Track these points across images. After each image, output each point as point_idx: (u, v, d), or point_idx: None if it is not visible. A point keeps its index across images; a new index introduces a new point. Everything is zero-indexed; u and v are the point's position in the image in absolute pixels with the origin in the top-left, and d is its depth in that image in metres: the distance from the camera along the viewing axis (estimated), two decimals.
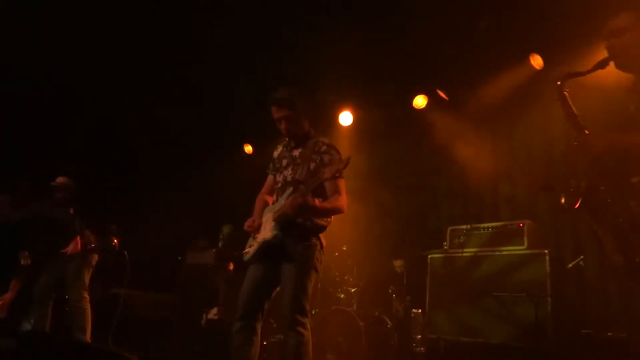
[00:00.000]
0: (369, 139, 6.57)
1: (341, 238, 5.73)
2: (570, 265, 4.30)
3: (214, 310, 5.67)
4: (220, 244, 6.13)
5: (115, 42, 5.43)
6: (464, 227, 4.59)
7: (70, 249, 4.54)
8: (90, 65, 5.72)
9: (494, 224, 4.45)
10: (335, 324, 4.85)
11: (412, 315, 4.90)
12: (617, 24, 2.22)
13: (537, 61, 5.15)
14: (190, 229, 6.62)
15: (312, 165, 3.00)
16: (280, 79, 6.02)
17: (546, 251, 4.02)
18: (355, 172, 6.55)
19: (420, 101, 6.04)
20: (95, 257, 4.82)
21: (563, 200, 2.15)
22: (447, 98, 5.84)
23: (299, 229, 2.91)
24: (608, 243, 2.08)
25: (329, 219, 3.04)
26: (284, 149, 3.24)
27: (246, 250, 3.09)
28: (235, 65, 5.93)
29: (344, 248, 5.45)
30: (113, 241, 5.10)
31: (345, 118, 6.50)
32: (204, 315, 5.73)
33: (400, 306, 4.98)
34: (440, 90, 5.86)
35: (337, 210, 2.96)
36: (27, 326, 4.68)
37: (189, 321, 5.96)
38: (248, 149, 7.35)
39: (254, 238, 3.07)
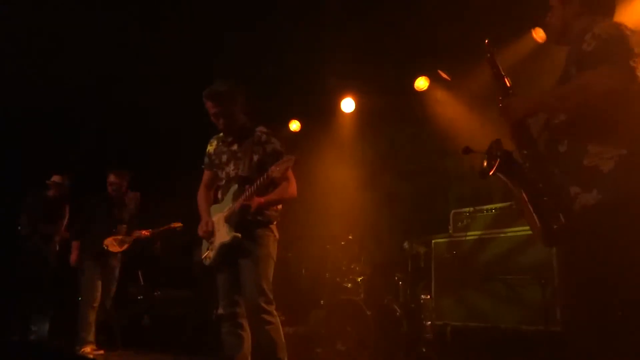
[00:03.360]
0: (373, 125, 6.47)
1: (347, 227, 5.67)
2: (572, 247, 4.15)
3: None
4: None
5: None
6: (467, 209, 4.47)
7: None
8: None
9: (498, 205, 4.33)
10: (343, 314, 4.80)
11: (422, 301, 4.81)
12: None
13: (539, 34, 4.97)
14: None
15: (256, 158, 3.02)
16: (280, 68, 6.01)
17: None
18: (360, 159, 6.51)
19: (422, 83, 5.89)
20: None
21: (485, 164, 2.04)
22: (449, 78, 5.68)
23: (252, 224, 2.95)
24: (526, 208, 1.98)
25: (278, 208, 3.10)
26: (220, 143, 3.21)
27: (205, 255, 3.10)
28: (236, 53, 5.85)
29: (350, 237, 5.37)
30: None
31: (348, 105, 6.40)
32: (215, 311, 5.73)
33: (406, 293, 4.89)
34: (441, 70, 5.70)
35: (286, 199, 3.05)
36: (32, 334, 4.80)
37: (201, 317, 5.98)
38: None
39: (210, 242, 3.06)
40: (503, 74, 2.16)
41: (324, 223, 6.18)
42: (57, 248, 5.39)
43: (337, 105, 6.45)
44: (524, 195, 1.98)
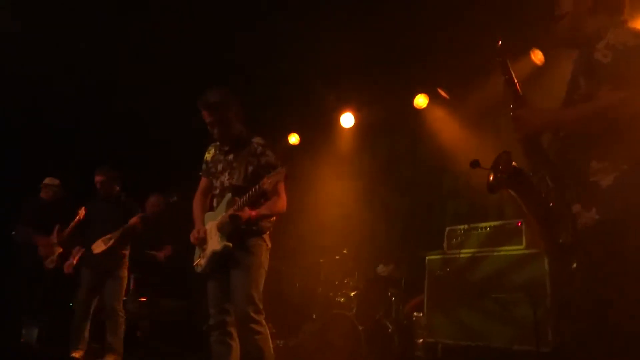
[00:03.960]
0: (371, 140, 6.51)
1: (343, 241, 5.67)
2: (575, 264, 4.13)
3: None
4: None
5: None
6: (462, 227, 4.47)
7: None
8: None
9: (492, 223, 4.33)
10: (335, 328, 4.79)
11: (414, 318, 4.79)
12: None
13: (538, 56, 5.02)
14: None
15: (250, 169, 3.05)
16: (280, 81, 6.05)
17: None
18: (358, 173, 6.53)
19: (421, 101, 5.94)
20: None
21: (492, 178, 1.98)
22: (447, 97, 5.73)
23: (245, 233, 2.97)
24: (534, 222, 1.95)
25: (272, 219, 3.12)
26: (217, 152, 3.24)
27: (196, 262, 3.11)
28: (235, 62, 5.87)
29: (345, 251, 5.37)
30: None
31: (347, 119, 6.44)
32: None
33: (398, 309, 4.87)
34: (441, 88, 5.75)
35: (275, 214, 3.07)
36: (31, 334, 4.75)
37: (197, 326, 5.94)
38: None
39: (202, 249, 3.07)
40: (516, 81, 2.05)
41: (319, 236, 6.18)
42: (60, 250, 5.27)
43: (337, 119, 6.49)
44: (532, 208, 1.95)
